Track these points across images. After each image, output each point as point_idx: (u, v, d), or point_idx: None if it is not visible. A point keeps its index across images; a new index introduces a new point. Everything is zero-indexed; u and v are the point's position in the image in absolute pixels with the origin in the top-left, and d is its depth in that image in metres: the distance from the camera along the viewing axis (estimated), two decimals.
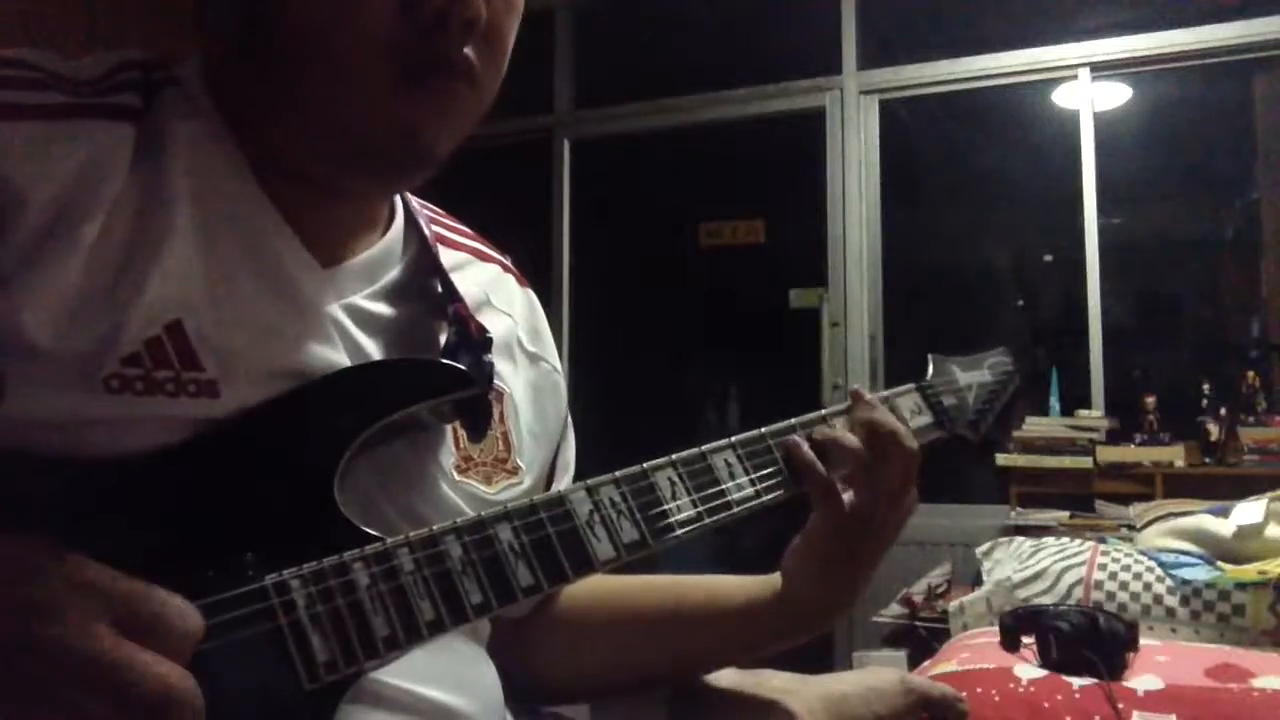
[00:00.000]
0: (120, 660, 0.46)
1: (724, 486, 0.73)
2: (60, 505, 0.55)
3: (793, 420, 0.78)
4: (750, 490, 0.74)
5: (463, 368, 0.69)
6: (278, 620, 0.55)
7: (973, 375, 0.94)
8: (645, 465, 0.70)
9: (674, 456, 0.72)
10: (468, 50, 0.64)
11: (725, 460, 0.74)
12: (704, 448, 0.73)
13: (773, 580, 0.83)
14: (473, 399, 0.69)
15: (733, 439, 0.75)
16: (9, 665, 0.45)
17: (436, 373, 0.69)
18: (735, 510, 0.72)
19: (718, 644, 0.85)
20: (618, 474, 0.69)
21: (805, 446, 0.76)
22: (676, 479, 0.71)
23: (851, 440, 0.76)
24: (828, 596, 0.80)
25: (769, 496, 0.74)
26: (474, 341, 0.73)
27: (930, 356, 0.92)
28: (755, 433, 0.76)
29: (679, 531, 0.69)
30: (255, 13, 0.64)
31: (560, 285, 4.18)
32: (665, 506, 0.69)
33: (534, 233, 4.08)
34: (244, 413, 0.61)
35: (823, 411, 0.79)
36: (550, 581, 0.63)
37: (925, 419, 0.87)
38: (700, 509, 0.71)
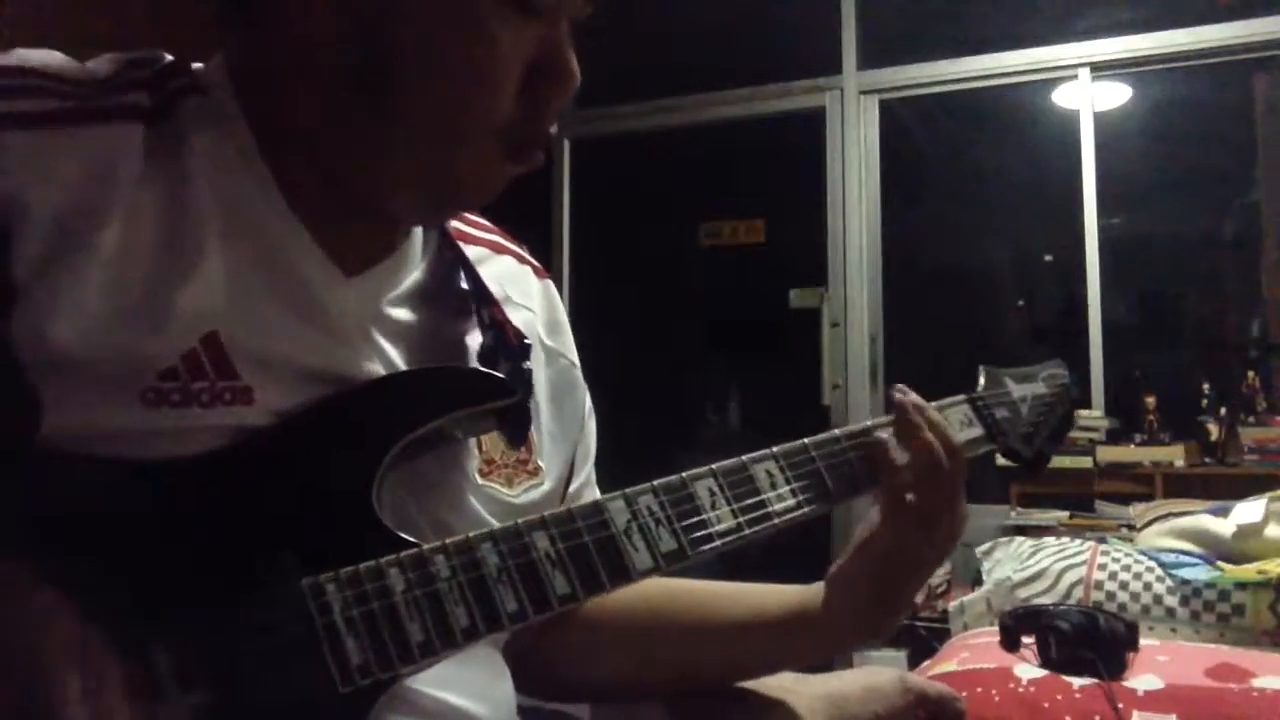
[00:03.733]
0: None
1: (764, 497, 0.71)
2: (96, 512, 0.55)
3: (836, 431, 0.76)
4: (791, 501, 0.72)
5: (503, 376, 0.69)
6: (313, 623, 0.55)
7: (1026, 388, 0.91)
8: (685, 475, 0.69)
9: (714, 466, 0.71)
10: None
11: (766, 470, 0.73)
12: (745, 458, 0.72)
13: (812, 593, 0.81)
14: (512, 406, 0.69)
15: (774, 450, 0.74)
16: None
17: (477, 381, 0.69)
18: (776, 521, 0.71)
19: (751, 655, 0.84)
20: (656, 483, 0.68)
21: (892, 448, 0.75)
22: (716, 489, 0.70)
23: (901, 455, 0.74)
24: (873, 614, 0.79)
25: (809, 508, 0.73)
26: (512, 348, 0.72)
27: (981, 367, 0.89)
28: (798, 443, 0.75)
29: (717, 542, 0.68)
30: (371, 62, 0.62)
31: (560, 285, 4.17)
32: (704, 516, 0.68)
33: (534, 232, 4.07)
34: (283, 419, 0.62)
35: (867, 423, 0.78)
36: (586, 591, 0.63)
37: (975, 431, 0.85)
38: (740, 519, 0.70)
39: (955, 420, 0.84)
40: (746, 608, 0.84)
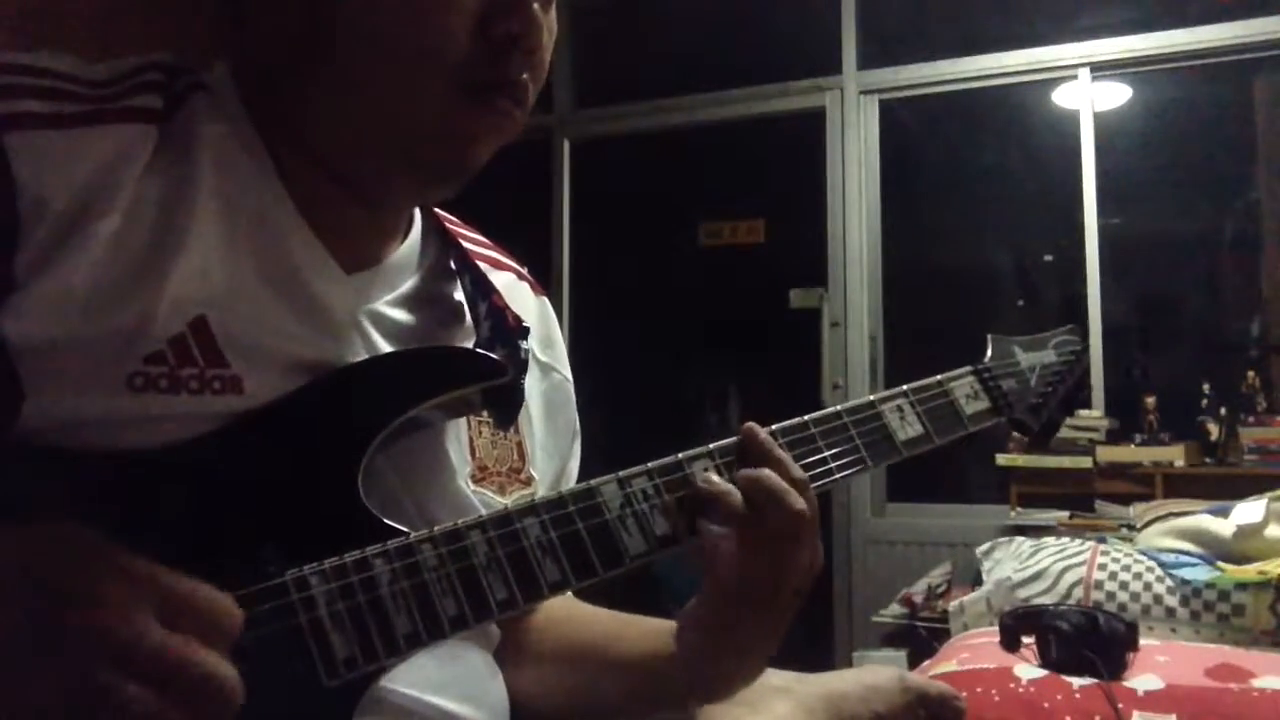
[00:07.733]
0: (164, 648, 0.46)
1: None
2: (81, 500, 0.55)
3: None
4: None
5: (493, 355, 0.69)
6: (297, 617, 0.55)
7: (1036, 356, 0.87)
8: (680, 455, 0.68)
9: (711, 446, 0.69)
10: (525, 75, 0.66)
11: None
12: (764, 428, 0.69)
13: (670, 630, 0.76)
14: (503, 387, 0.69)
15: (774, 427, 0.71)
16: (55, 652, 0.46)
17: (466, 361, 0.69)
18: None
19: (618, 694, 0.80)
20: (650, 465, 0.67)
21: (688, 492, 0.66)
22: (713, 470, 0.68)
23: (731, 497, 0.66)
24: (723, 663, 0.72)
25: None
26: (511, 331, 0.72)
27: (989, 336, 0.86)
28: (798, 420, 0.72)
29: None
30: (318, 19, 0.64)
31: (560, 285, 4.18)
32: None
33: (534, 233, 4.08)
34: (269, 405, 0.62)
35: (710, 446, 0.69)
36: (578, 577, 0.63)
37: (982, 404, 0.82)
38: None
39: (961, 393, 0.81)
40: (617, 644, 0.81)
